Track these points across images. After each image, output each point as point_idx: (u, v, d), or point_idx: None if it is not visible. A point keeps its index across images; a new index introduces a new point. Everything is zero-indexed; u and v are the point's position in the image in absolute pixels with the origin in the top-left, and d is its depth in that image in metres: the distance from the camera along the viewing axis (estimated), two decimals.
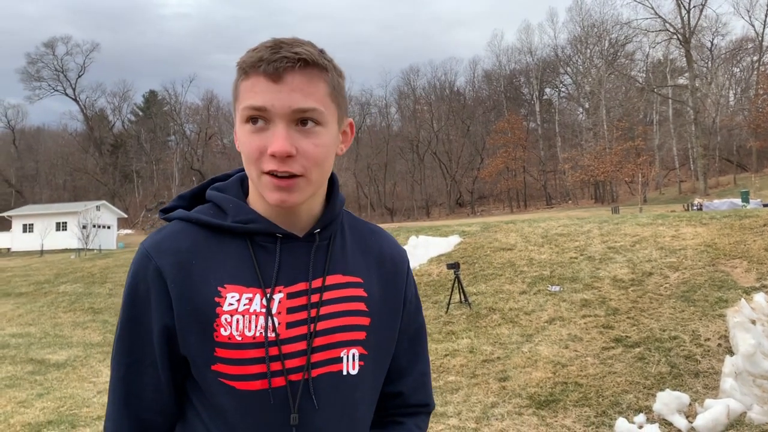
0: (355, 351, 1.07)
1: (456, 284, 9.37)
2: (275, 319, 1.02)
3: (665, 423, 5.62)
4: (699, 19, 54.67)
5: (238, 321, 1.01)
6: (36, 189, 71.74)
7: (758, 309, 7.35)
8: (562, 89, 72.16)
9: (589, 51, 64.65)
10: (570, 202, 62.72)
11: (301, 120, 0.99)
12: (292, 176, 0.99)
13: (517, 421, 6.00)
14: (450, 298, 9.35)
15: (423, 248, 12.38)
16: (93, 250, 34.34)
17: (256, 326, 1.01)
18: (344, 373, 1.06)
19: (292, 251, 1.07)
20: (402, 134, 75.43)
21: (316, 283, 1.07)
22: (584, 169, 54.16)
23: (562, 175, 63.56)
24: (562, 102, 71.78)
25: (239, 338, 1.00)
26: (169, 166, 76.30)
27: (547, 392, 6.42)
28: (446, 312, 9.20)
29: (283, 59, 0.97)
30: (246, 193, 1.13)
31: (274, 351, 1.01)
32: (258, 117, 0.98)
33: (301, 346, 1.03)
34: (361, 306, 1.09)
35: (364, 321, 1.09)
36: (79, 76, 76.74)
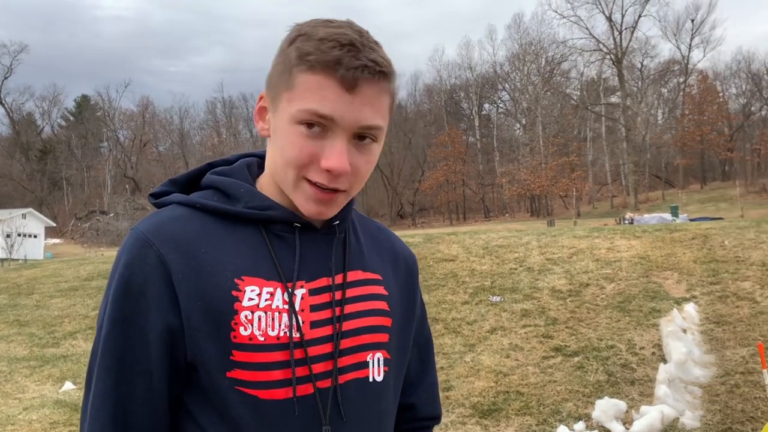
0: (380, 355, 0.97)
1: None
2: (299, 318, 0.90)
3: (604, 430, 5.76)
4: (630, 40, 57.18)
5: (260, 318, 0.88)
6: None
7: (689, 318, 7.65)
8: (501, 105, 73.94)
9: (526, 68, 66.49)
10: (507, 215, 64.11)
11: (360, 135, 0.90)
12: (336, 190, 0.91)
13: (461, 430, 6.02)
14: None
15: None
16: (18, 260, 32.74)
17: (279, 325, 0.89)
18: (370, 379, 0.95)
19: (311, 243, 0.96)
20: None
21: (338, 279, 0.97)
22: (521, 183, 55.55)
23: (500, 189, 64.92)
24: (500, 117, 73.47)
25: (262, 338, 0.87)
26: (101, 173, 73.75)
27: (490, 401, 6.48)
28: None
29: (363, 69, 0.86)
30: (253, 180, 1.02)
31: (299, 354, 0.89)
32: (318, 123, 0.87)
33: (327, 348, 0.92)
34: (383, 305, 1.00)
35: (387, 322, 1.00)
36: (5, 78, 73.49)
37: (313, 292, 0.94)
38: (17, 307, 12.88)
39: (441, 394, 6.61)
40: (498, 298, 9.40)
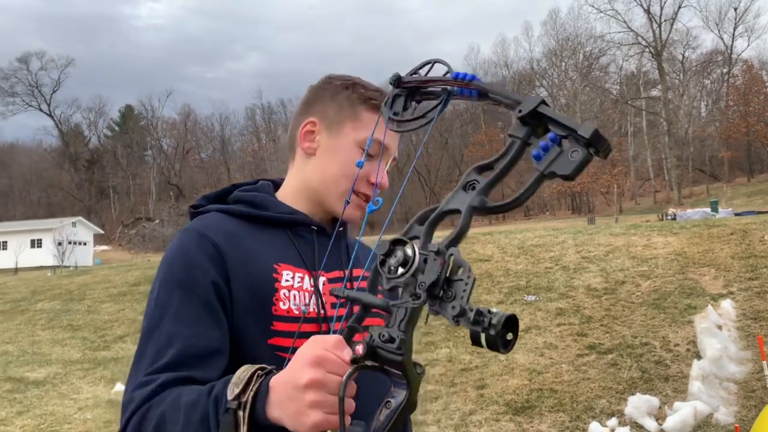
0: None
1: None
2: (323, 299, 1.14)
3: (636, 426, 5.82)
4: (670, 32, 55.98)
5: (295, 296, 1.11)
6: (9, 206, 70.74)
7: (725, 315, 7.61)
8: None
9: (563, 64, 65.74)
10: (547, 213, 63.44)
11: None
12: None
13: (495, 427, 6.16)
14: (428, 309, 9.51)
15: None
16: (69, 267, 33.95)
17: (309, 303, 1.12)
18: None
19: (325, 243, 1.20)
20: None
21: (348, 272, 1.21)
22: (561, 180, 54.77)
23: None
24: None
25: (297, 312, 1.10)
26: (146, 181, 75.74)
27: (524, 399, 6.59)
28: (425, 323, 9.32)
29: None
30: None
31: (324, 327, 1.11)
32: (373, 150, 1.17)
33: (344, 325, 1.03)
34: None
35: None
36: (54, 92, 76.19)
37: (330, 281, 1.19)
38: (70, 312, 13.47)
39: (475, 392, 6.78)
40: (533, 298, 9.47)
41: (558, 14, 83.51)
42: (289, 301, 1.11)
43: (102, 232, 54.61)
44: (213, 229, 1.14)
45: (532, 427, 6.08)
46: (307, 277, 1.15)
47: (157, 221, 62.20)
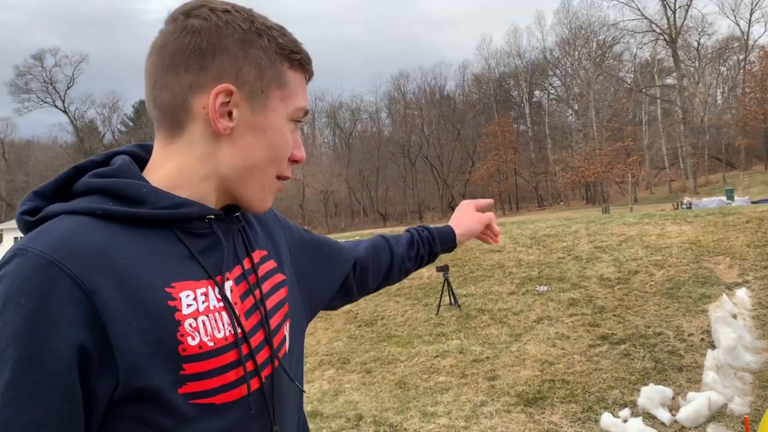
0: (288, 325, 1.01)
1: (445, 287, 9.50)
2: (236, 311, 0.88)
3: (649, 416, 5.76)
4: (685, 19, 55.25)
5: (204, 323, 0.83)
6: None
7: (740, 304, 7.51)
8: (552, 91, 72.60)
9: (577, 53, 65.13)
10: (561, 203, 63.10)
11: None
12: None
13: (506, 418, 6.12)
14: (440, 301, 9.48)
15: None
16: None
17: (223, 324, 0.85)
18: (288, 351, 0.99)
19: (226, 232, 0.94)
20: (393, 139, 75.62)
21: (247, 263, 0.97)
22: (575, 170, 54.51)
23: (553, 177, 63.93)
24: (552, 104, 72.19)
25: (211, 344, 0.83)
26: None
27: (535, 390, 6.55)
28: (436, 314, 9.32)
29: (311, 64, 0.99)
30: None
31: (245, 348, 0.88)
32: (300, 121, 0.96)
33: (261, 335, 0.92)
34: (280, 277, 1.04)
35: (284, 292, 1.03)
36: (68, 88, 76.64)
37: (237, 281, 0.93)
38: None
39: (486, 383, 6.75)
40: (545, 288, 9.41)
41: (570, 2, 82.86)
42: (199, 332, 0.82)
43: None
44: (70, 247, 0.76)
45: (544, 418, 6.03)
46: (211, 290, 0.86)
47: None
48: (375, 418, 6.30)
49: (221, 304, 0.87)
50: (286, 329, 0.99)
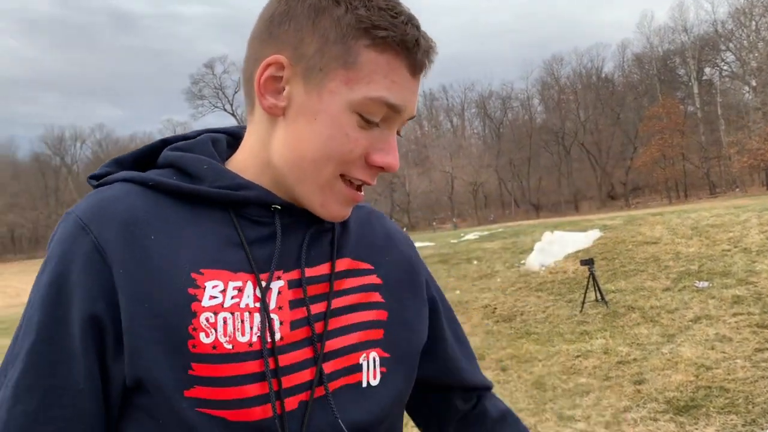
0: (375, 354, 0.83)
1: (591, 282, 8.92)
2: (276, 317, 0.75)
3: None
4: None
5: (225, 321, 0.72)
6: None
7: None
8: (724, 68, 65.98)
9: (754, 23, 58.56)
10: (737, 189, 57.24)
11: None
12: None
13: (652, 427, 5.59)
14: (584, 297, 8.92)
15: (559, 244, 11.93)
16: None
17: (251, 328, 0.73)
18: (364, 384, 0.81)
19: (292, 228, 0.81)
20: (546, 126, 73.14)
21: (323, 269, 0.82)
22: (752, 153, 49.18)
23: (728, 161, 58.13)
24: (725, 81, 65.63)
25: (229, 346, 0.71)
26: None
27: (688, 397, 5.91)
28: (580, 311, 8.78)
29: (431, 52, 0.78)
30: (221, 159, 0.86)
31: (272, 363, 0.74)
32: (379, 114, 0.77)
33: (309, 353, 0.77)
34: (376, 296, 0.86)
35: (382, 315, 0.86)
36: (236, 92, 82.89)
37: (293, 285, 0.78)
38: None
39: (631, 387, 6.22)
40: (705, 284, 8.50)
41: None
42: (216, 330, 0.71)
43: None
44: (103, 213, 0.73)
45: (697, 429, 5.42)
46: (250, 286, 0.75)
47: None
48: None
49: (257, 304, 0.75)
50: (366, 358, 0.82)
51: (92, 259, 0.70)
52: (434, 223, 60.80)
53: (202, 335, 0.70)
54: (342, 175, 0.78)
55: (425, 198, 69.03)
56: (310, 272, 0.80)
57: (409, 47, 0.75)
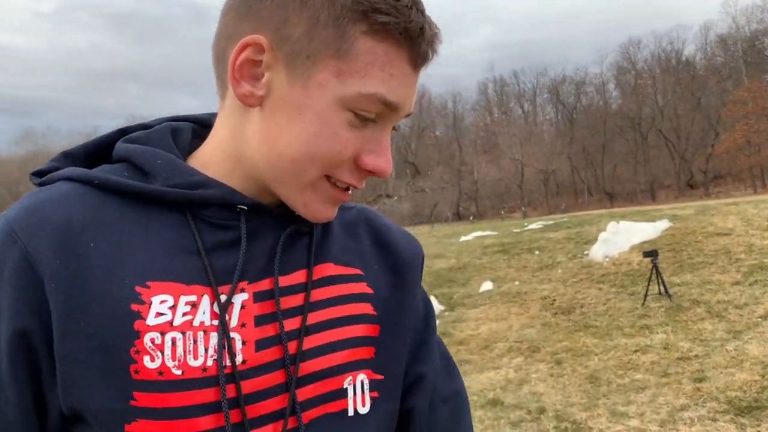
0: (363, 377, 0.71)
1: (654, 274, 8.58)
2: (237, 336, 0.65)
3: None
4: None
5: (174, 342, 0.62)
6: None
7: None
8: None
9: None
10: None
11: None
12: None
13: (710, 427, 5.34)
14: (647, 290, 8.59)
15: (625, 234, 11.52)
16: None
17: (206, 350, 0.63)
18: (350, 412, 0.70)
19: (263, 231, 0.70)
20: (621, 112, 70.70)
21: (299, 276, 0.71)
22: None
23: None
24: None
25: (178, 372, 0.61)
26: None
27: (752, 397, 5.61)
28: (642, 304, 8.47)
29: (436, 41, 0.67)
30: (183, 153, 0.75)
31: (231, 391, 0.63)
32: (374, 112, 0.66)
33: (280, 377, 0.66)
34: (367, 308, 0.75)
35: (373, 331, 0.74)
36: None
37: (260, 297, 0.67)
38: None
39: (691, 385, 5.97)
40: None
41: None
42: (162, 353, 0.61)
43: None
44: (36, 219, 0.63)
45: (759, 431, 5.14)
46: (207, 301, 0.64)
47: (395, 198, 65.81)
48: (558, 413, 5.93)
49: (215, 322, 0.64)
50: (351, 381, 0.70)
51: (21, 271, 0.61)
52: (502, 212, 60.00)
53: (146, 359, 0.60)
54: (327, 176, 0.68)
55: (494, 186, 68.21)
56: (283, 281, 0.69)
57: (413, 36, 0.64)
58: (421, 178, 71.64)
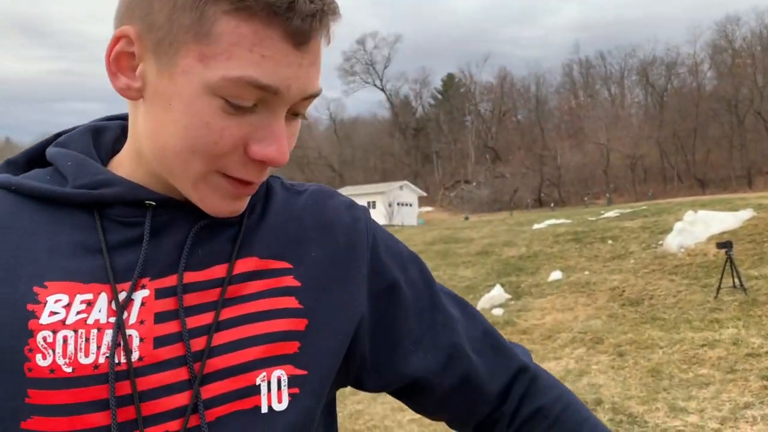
0: (281, 372, 0.68)
1: (729, 266, 8.25)
2: (135, 333, 0.64)
3: None
4: None
5: (66, 340, 0.62)
6: (353, 172, 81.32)
7: None
8: None
9: None
10: None
11: (295, 111, 0.67)
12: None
13: None
14: (720, 282, 8.27)
15: (702, 224, 11.06)
16: (395, 225, 37.88)
17: (98, 347, 0.62)
18: (263, 410, 0.66)
19: (171, 226, 0.69)
20: (717, 94, 66.76)
21: (216, 271, 0.69)
22: None
23: None
24: None
25: (69, 369, 0.61)
26: (465, 145, 79.79)
27: None
28: (715, 297, 8.17)
29: (321, 15, 0.62)
30: (105, 153, 0.75)
31: (126, 388, 0.62)
32: (251, 98, 0.61)
33: (183, 374, 0.64)
34: (290, 302, 0.71)
35: (297, 325, 0.70)
36: (386, 67, 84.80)
37: (162, 294, 0.66)
38: None
39: (758, 382, 5.82)
40: None
41: None
42: (54, 351, 0.61)
43: (425, 194, 59.47)
44: None
45: None
46: (104, 299, 0.64)
47: (474, 183, 65.27)
48: (615, 406, 5.87)
49: (112, 319, 0.63)
50: (265, 378, 0.67)
51: None
52: (586, 199, 58.28)
53: (38, 357, 0.60)
54: (224, 174, 0.66)
55: (578, 172, 66.23)
56: (194, 277, 0.67)
57: (279, 12, 0.59)
58: (501, 163, 70.54)
